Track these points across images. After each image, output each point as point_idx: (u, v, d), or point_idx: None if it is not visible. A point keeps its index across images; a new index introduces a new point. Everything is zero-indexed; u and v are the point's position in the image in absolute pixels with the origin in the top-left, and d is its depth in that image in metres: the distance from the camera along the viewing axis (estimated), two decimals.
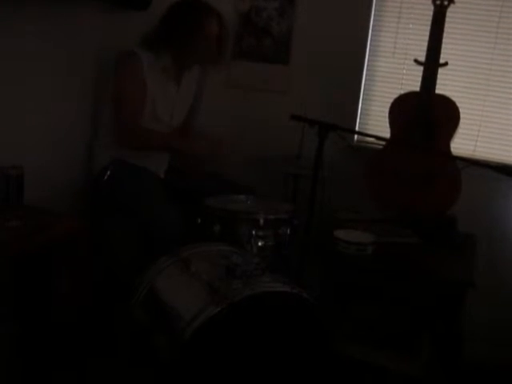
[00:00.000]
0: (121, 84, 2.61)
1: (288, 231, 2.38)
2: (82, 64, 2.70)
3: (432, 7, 2.65)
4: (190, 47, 2.63)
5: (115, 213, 2.68)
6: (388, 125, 2.80)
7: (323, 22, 3.06)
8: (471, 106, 2.93)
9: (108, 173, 2.66)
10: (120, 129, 2.60)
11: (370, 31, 3.05)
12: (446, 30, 2.64)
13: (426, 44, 2.68)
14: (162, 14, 2.64)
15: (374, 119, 3.14)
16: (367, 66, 3.10)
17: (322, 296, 2.13)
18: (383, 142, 2.82)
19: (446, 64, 2.69)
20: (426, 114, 2.68)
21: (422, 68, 2.70)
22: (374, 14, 3.03)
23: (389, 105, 2.81)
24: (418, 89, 2.72)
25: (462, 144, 2.95)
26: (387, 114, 2.81)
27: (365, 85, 3.12)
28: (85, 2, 2.62)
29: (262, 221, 2.30)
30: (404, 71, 3.03)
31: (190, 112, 2.97)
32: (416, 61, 2.74)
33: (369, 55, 3.08)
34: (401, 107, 2.78)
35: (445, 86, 2.82)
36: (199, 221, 2.40)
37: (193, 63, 2.80)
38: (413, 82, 2.87)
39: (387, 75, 3.09)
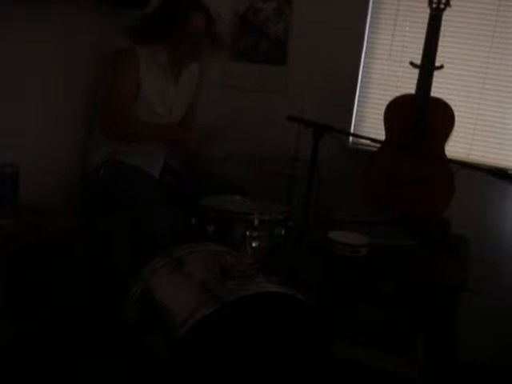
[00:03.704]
0: (115, 77, 2.62)
1: (283, 232, 2.38)
2: (77, 63, 2.69)
3: (428, 10, 2.66)
4: (175, 43, 2.64)
5: (109, 212, 2.67)
6: (383, 127, 2.81)
7: (320, 23, 3.07)
8: (466, 109, 2.95)
9: (102, 172, 2.66)
10: (107, 117, 2.59)
11: (367, 33, 3.06)
12: (441, 33, 2.66)
13: (421, 47, 2.69)
14: (152, 9, 2.67)
15: (370, 121, 3.16)
16: (363, 67, 3.11)
17: (316, 297, 2.13)
18: (378, 145, 2.82)
19: (441, 67, 2.71)
20: (421, 117, 2.69)
21: (417, 71, 2.71)
22: (371, 17, 3.05)
23: (384, 107, 2.82)
24: (413, 91, 2.73)
25: (456, 147, 2.96)
26: (382, 117, 2.81)
27: (360, 87, 3.13)
28: (83, 2, 2.62)
29: (256, 221, 2.30)
30: (400, 74, 3.04)
31: (189, 109, 2.98)
32: (412, 63, 2.75)
33: (365, 57, 3.10)
34: (396, 110, 2.79)
35: (440, 89, 2.83)
36: (194, 221, 2.40)
37: (186, 60, 2.80)
38: (408, 84, 2.88)
39: (383, 77, 3.11)
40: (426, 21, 2.67)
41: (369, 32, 3.06)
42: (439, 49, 2.66)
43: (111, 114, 2.58)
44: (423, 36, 2.68)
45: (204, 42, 2.69)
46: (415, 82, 2.72)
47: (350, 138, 3.17)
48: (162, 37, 2.62)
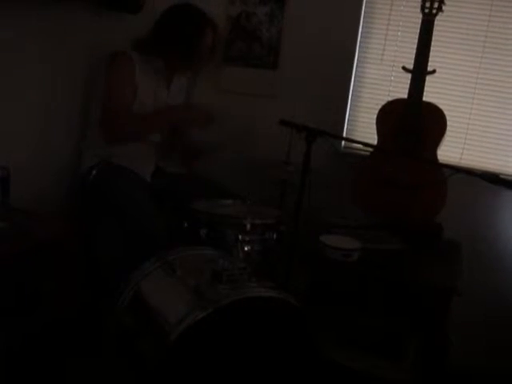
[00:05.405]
0: (112, 79, 2.60)
1: (274, 236, 2.38)
2: (70, 65, 2.69)
3: (421, 15, 2.66)
4: (184, 55, 2.64)
5: (101, 214, 2.67)
6: (375, 131, 2.82)
7: (312, 28, 3.08)
8: (458, 114, 2.95)
9: (94, 173, 2.65)
10: (111, 122, 2.57)
11: (359, 38, 3.06)
12: (434, 38, 2.66)
13: (414, 52, 2.69)
14: (158, 17, 2.66)
15: (362, 126, 3.16)
16: (355, 72, 3.12)
17: (308, 301, 2.13)
18: (370, 149, 2.83)
19: (433, 72, 2.71)
20: (414, 122, 2.69)
21: (409, 75, 2.71)
22: (363, 21, 3.05)
23: (376, 111, 2.82)
24: (405, 96, 2.73)
25: (448, 151, 2.97)
26: (375, 121, 2.82)
27: (353, 91, 3.14)
28: (76, 4, 2.62)
29: (248, 225, 2.30)
30: (392, 78, 3.05)
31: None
32: (404, 68, 2.75)
33: (357, 62, 3.10)
34: (388, 114, 2.79)
35: (432, 93, 2.84)
36: (186, 224, 2.39)
37: (184, 70, 2.81)
38: (400, 89, 2.89)
39: (375, 82, 3.11)
40: (419, 26, 2.68)
41: (361, 36, 3.07)
42: (431, 53, 2.67)
43: (115, 118, 2.55)
44: (415, 41, 2.68)
45: (208, 56, 2.70)
46: (407, 86, 2.72)
47: (343, 142, 3.17)
48: (171, 49, 2.63)
